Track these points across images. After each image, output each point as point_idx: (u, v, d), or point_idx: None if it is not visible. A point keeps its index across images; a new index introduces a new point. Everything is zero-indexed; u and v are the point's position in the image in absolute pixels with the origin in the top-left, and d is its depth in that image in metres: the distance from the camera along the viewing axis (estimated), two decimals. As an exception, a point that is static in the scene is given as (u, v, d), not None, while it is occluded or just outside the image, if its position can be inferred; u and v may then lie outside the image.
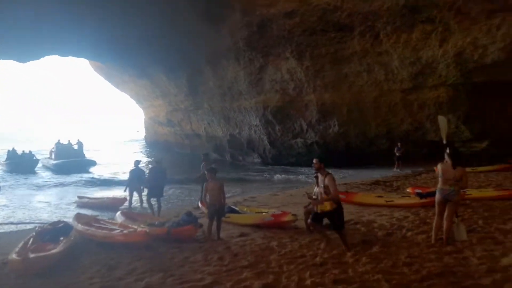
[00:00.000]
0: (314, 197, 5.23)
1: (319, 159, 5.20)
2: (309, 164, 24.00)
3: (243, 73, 23.55)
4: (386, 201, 8.40)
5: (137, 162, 10.43)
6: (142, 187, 9.71)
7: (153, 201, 8.83)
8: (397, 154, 18.55)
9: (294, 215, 6.67)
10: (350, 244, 5.08)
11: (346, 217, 7.24)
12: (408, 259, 4.20)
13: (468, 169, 15.38)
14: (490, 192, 8.39)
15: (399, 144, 19.02)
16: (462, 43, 14.40)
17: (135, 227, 6.12)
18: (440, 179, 4.92)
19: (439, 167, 4.97)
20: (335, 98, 21.64)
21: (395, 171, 17.99)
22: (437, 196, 4.93)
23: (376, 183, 13.88)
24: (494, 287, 3.11)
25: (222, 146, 29.17)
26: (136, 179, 9.65)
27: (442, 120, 5.66)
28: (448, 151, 4.92)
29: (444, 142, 5.56)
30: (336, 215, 4.95)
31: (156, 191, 8.65)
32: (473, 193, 8.37)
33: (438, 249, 4.54)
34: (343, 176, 18.42)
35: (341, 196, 9.32)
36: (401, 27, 15.43)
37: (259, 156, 28.59)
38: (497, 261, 3.83)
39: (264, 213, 7.01)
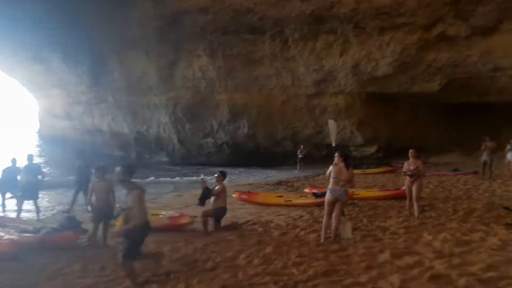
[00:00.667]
0: None
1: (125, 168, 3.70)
2: (219, 164, 23.75)
3: (153, 67, 22.39)
4: (285, 200, 8.66)
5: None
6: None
7: (30, 204, 7.69)
8: (300, 156, 19.58)
9: (194, 216, 6.42)
10: (246, 245, 5.01)
11: (246, 217, 7.26)
12: (298, 258, 4.27)
13: (358, 171, 17.04)
14: (375, 192, 9.25)
15: (301, 146, 20.10)
16: (359, 56, 15.80)
17: (1, 234, 5.21)
18: (331, 180, 5.15)
19: (330, 169, 5.19)
20: (246, 100, 21.93)
21: (297, 172, 18.92)
22: (328, 196, 5.15)
23: (279, 183, 14.35)
24: (370, 283, 3.28)
25: (128, 144, 27.34)
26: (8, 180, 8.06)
27: (332, 124, 5.97)
28: (338, 153, 5.18)
29: (334, 145, 5.86)
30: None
31: (29, 193, 7.53)
32: (361, 193, 9.15)
33: (326, 247, 4.73)
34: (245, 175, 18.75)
35: (244, 196, 9.42)
36: (308, 35, 16.29)
37: (168, 155, 27.53)
38: (375, 257, 4.10)
39: (161, 216, 6.60)
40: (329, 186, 5.21)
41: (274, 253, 4.61)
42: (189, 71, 21.61)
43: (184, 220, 6.21)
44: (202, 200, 6.22)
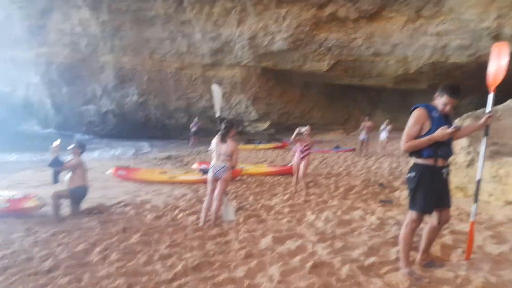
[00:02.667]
0: None
1: None
2: (104, 135, 21.40)
3: (19, 13, 18.54)
4: (169, 177, 7.82)
5: None
6: None
7: None
8: (193, 129, 18.69)
9: (41, 198, 5.14)
10: (107, 234, 4.09)
11: (119, 197, 6.23)
12: (168, 249, 3.56)
13: (250, 146, 17.00)
14: (263, 168, 9.06)
15: (196, 119, 19.21)
16: (256, 27, 15.36)
17: None
18: (213, 154, 4.53)
19: (213, 142, 4.56)
20: (136, 63, 19.89)
21: (190, 146, 18.08)
22: (209, 173, 4.52)
23: (168, 158, 13.35)
24: (246, 279, 2.77)
25: (-16, 107, 22.72)
26: None
27: (216, 90, 5.25)
28: (223, 125, 4.56)
29: (218, 114, 5.22)
30: None
31: None
32: (250, 169, 8.86)
33: (204, 232, 4.13)
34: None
35: (121, 172, 8.26)
36: (205, -2, 15.16)
37: (40, 122, 23.74)
38: (257, 243, 3.66)
39: (-1, 198, 5.12)
40: (211, 162, 4.58)
41: (140, 243, 3.81)
42: (66, 24, 18.50)
43: (28, 204, 4.89)
44: (54, 175, 4.97)
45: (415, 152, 2.64)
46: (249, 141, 19.98)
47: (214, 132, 4.91)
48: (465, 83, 17.07)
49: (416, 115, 2.62)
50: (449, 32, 13.29)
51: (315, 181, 7.53)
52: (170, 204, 5.68)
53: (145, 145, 19.50)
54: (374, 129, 12.62)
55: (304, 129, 6.30)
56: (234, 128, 4.59)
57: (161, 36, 17.96)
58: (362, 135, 12.29)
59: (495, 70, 2.92)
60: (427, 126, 2.57)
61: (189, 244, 3.73)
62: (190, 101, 21.32)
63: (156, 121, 23.03)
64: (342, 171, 8.99)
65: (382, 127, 12.50)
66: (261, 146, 16.80)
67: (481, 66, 14.33)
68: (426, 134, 2.57)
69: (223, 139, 4.47)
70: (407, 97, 21.20)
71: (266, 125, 22.16)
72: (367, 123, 12.28)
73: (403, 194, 5.84)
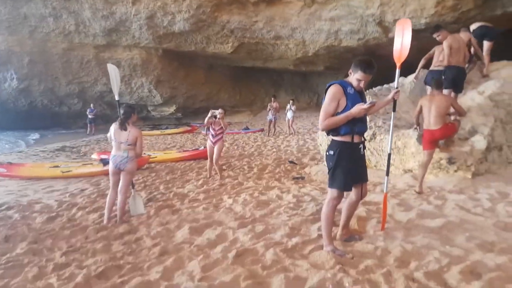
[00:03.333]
0: None
1: None
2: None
3: None
4: (62, 171, 6.83)
5: None
6: None
7: None
8: (90, 116, 16.93)
9: None
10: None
11: (1, 199, 5.22)
12: (64, 257, 3.01)
13: (157, 132, 16.12)
14: (173, 154, 8.58)
15: (91, 105, 17.41)
16: (154, 6, 14.32)
17: None
18: (113, 143, 3.98)
19: (111, 129, 4.00)
20: (12, 44, 17.04)
21: (88, 135, 16.39)
22: (110, 165, 3.98)
23: (62, 149, 11.84)
24: (163, 280, 2.46)
25: None
26: None
27: (113, 69, 4.59)
28: (122, 110, 4.02)
29: (117, 98, 4.63)
30: None
31: None
32: (159, 156, 8.30)
33: (109, 232, 3.63)
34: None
35: (1, 170, 6.97)
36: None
37: None
38: (172, 237, 3.34)
39: None
40: (112, 152, 4.04)
41: (27, 253, 3.17)
42: None
43: None
44: None
45: (332, 130, 2.57)
46: (155, 127, 18.97)
47: (114, 118, 4.33)
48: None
49: (332, 92, 2.52)
50: (341, 17, 14.20)
51: (229, 163, 7.38)
52: (65, 202, 4.93)
53: (32, 136, 17.09)
54: (280, 110, 12.98)
55: (218, 112, 6.01)
56: (135, 113, 4.08)
57: (41, 13, 15.59)
58: (270, 116, 12.54)
59: (401, 46, 3.02)
60: (343, 103, 2.51)
61: (91, 247, 3.22)
62: (84, 86, 19.22)
63: (44, 109, 20.30)
64: (253, 151, 9.02)
65: (287, 107, 12.92)
66: (169, 131, 16.05)
67: (369, 48, 15.85)
68: (342, 111, 2.52)
69: (122, 126, 3.93)
70: (307, 78, 22.44)
71: (172, 109, 21.27)
72: (273, 104, 12.55)
73: (313, 170, 6.05)
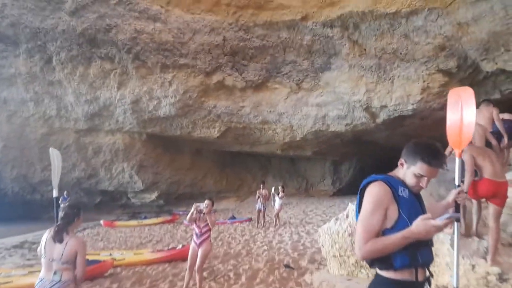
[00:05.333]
0: None
1: None
2: None
3: None
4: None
5: None
6: None
7: None
8: (62, 205, 15.56)
9: None
10: None
11: None
12: None
13: (134, 223, 14.74)
14: (145, 256, 7.28)
15: (65, 193, 16.17)
16: (139, 91, 14.15)
17: None
18: (42, 261, 2.93)
19: (42, 240, 2.99)
20: (-15, 129, 16.36)
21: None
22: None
23: (21, 245, 10.36)
24: None
25: None
26: None
27: (56, 155, 3.73)
28: (62, 213, 3.06)
29: (55, 194, 3.69)
30: None
31: None
32: (127, 257, 7.02)
33: None
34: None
35: None
36: (78, 57, 13.46)
37: None
38: None
39: None
40: (40, 274, 2.97)
41: None
42: None
43: None
44: None
45: (379, 259, 1.60)
46: (133, 216, 17.54)
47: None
48: (344, 150, 18.53)
49: (376, 195, 1.61)
50: (328, 103, 14.25)
51: (211, 268, 6.18)
52: None
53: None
54: (270, 197, 12.07)
55: (204, 205, 4.93)
56: (79, 216, 3.07)
57: (23, 97, 15.25)
58: (259, 204, 11.57)
59: (461, 124, 2.22)
60: (393, 213, 1.59)
61: None
62: (61, 172, 18.13)
63: (14, 197, 18.86)
64: (241, 249, 7.84)
65: (274, 194, 12.00)
66: (147, 221, 14.71)
67: (356, 134, 15.71)
68: (394, 229, 1.58)
69: (57, 235, 2.88)
70: (296, 163, 22.01)
71: (153, 195, 20.07)
72: (262, 191, 11.68)
73: (315, 279, 4.94)
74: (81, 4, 12.08)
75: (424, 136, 17.21)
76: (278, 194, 11.74)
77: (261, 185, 12.11)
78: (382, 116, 13.39)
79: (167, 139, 17.57)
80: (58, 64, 13.77)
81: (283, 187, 12.34)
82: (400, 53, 11.71)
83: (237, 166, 21.81)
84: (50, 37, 12.87)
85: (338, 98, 13.79)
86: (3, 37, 13.30)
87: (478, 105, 5.57)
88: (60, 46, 13.09)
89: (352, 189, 21.15)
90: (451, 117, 2.26)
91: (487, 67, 10.46)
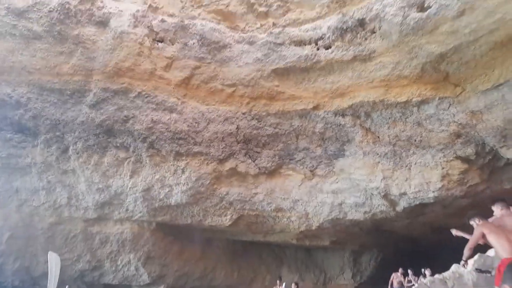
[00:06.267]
0: None
1: None
2: None
3: None
4: None
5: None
6: None
7: None
8: (61, 302, 14.50)
9: None
10: None
11: None
12: None
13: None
14: None
15: (67, 287, 15.18)
16: (152, 179, 14.05)
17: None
18: None
19: None
20: (-4, 218, 16.10)
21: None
22: None
23: None
24: None
25: None
26: None
27: (54, 259, 3.30)
28: None
29: None
30: None
31: None
32: None
33: None
34: None
35: None
36: (94, 147, 13.73)
37: None
38: None
39: None
40: None
41: None
42: None
43: None
44: None
45: None
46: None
47: None
48: (363, 239, 17.46)
49: None
50: (343, 190, 13.84)
51: None
52: None
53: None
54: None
55: None
56: None
57: (35, 186, 15.26)
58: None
59: None
60: None
61: None
62: (64, 264, 17.14)
63: (12, 292, 17.73)
64: None
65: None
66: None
67: (376, 222, 14.91)
68: None
69: None
70: (312, 254, 20.68)
71: (159, 290, 18.68)
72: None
73: None
74: (102, 98, 12.71)
75: (447, 225, 16.24)
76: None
77: (278, 281, 11.09)
78: (402, 204, 12.78)
79: (177, 228, 16.94)
80: (73, 154, 14.02)
81: (296, 284, 11.24)
82: (415, 140, 11.60)
83: (250, 256, 20.57)
84: (69, 128, 13.33)
85: (354, 185, 13.39)
86: (24, 128, 13.82)
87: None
88: (77, 136, 13.47)
89: (376, 283, 19.39)
90: None
91: (508, 154, 10.16)
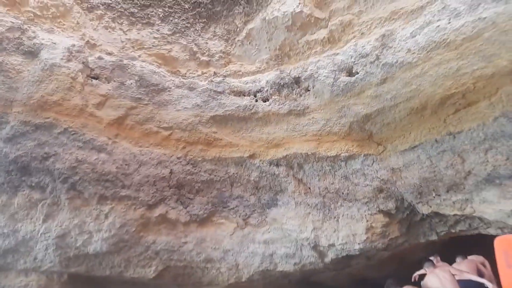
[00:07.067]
0: None
1: None
2: None
3: None
4: None
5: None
6: None
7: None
8: None
9: None
10: None
11: None
12: None
13: None
14: None
15: None
16: (69, 224, 12.65)
17: None
18: None
19: None
20: None
21: None
22: None
23: None
24: None
25: None
26: None
27: None
28: None
29: None
30: None
31: None
32: None
33: None
34: None
35: None
36: (3, 185, 12.12)
37: None
38: None
39: None
40: None
41: None
42: None
43: None
44: None
45: None
46: None
47: None
48: (292, 291, 17.25)
49: None
50: (275, 240, 13.80)
51: None
52: None
53: None
54: None
55: None
56: None
57: None
58: None
59: None
60: None
61: None
62: None
63: None
64: None
65: None
66: None
67: (305, 274, 14.95)
68: None
69: None
70: (239, 307, 19.78)
71: None
72: None
73: None
74: (20, 132, 11.55)
75: (370, 276, 16.83)
76: None
77: None
78: (330, 255, 13.06)
79: (92, 281, 15.19)
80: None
81: None
82: (343, 193, 12.20)
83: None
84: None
85: (285, 235, 13.45)
86: None
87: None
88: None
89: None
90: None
91: (423, 209, 11.10)
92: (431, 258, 5.48)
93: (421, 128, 10.10)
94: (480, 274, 6.28)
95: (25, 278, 14.48)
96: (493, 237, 10.80)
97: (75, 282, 15.08)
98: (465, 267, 6.14)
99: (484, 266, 6.26)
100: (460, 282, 5.54)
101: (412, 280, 6.87)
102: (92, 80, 12.39)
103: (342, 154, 11.55)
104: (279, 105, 12.12)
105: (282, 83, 11.94)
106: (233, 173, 13.31)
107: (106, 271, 14.46)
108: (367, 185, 11.59)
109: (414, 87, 9.52)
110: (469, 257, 6.61)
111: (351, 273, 15.76)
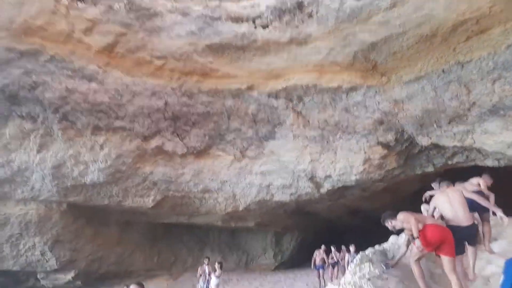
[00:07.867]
0: None
1: None
2: None
3: None
4: None
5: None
6: None
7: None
8: None
9: None
10: None
11: None
12: None
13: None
14: None
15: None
16: (64, 154, 12.48)
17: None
18: None
19: None
20: None
21: None
22: None
23: None
24: None
25: None
26: None
27: None
28: None
29: None
30: None
31: None
32: None
33: None
34: None
35: None
36: (-7, 115, 11.72)
37: None
38: None
39: None
40: None
41: None
42: None
43: None
44: None
45: None
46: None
47: None
48: (287, 221, 17.98)
49: None
50: (272, 172, 13.93)
51: None
52: None
53: None
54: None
55: None
56: None
57: None
58: (200, 284, 10.12)
59: None
60: None
61: None
62: None
63: None
64: None
65: (204, 270, 10.63)
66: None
67: (300, 204, 15.39)
68: None
69: None
70: (236, 235, 20.74)
71: (69, 276, 17.01)
72: (205, 268, 10.32)
73: None
74: (5, 59, 10.81)
75: (360, 207, 17.42)
76: (214, 271, 10.51)
77: (205, 260, 10.76)
78: (326, 186, 13.31)
79: (92, 210, 15.51)
80: (-36, 122, 11.81)
81: (220, 263, 11.09)
82: (342, 126, 12.05)
83: (171, 239, 19.88)
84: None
85: (282, 167, 13.55)
86: None
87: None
88: (-29, 101, 11.33)
89: (295, 263, 20.25)
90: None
91: (423, 141, 11.07)
92: (444, 182, 5.58)
93: (429, 57, 9.64)
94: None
95: (24, 207, 14.66)
96: (488, 168, 10.98)
97: (75, 211, 15.38)
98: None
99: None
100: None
101: (423, 200, 7.10)
102: (77, 4, 11.37)
103: (344, 86, 11.17)
104: (279, 32, 11.36)
105: (283, 8, 11.08)
106: (230, 106, 12.95)
107: (105, 200, 14.68)
108: (368, 117, 11.40)
109: (426, 11, 8.88)
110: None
111: (345, 204, 16.29)
